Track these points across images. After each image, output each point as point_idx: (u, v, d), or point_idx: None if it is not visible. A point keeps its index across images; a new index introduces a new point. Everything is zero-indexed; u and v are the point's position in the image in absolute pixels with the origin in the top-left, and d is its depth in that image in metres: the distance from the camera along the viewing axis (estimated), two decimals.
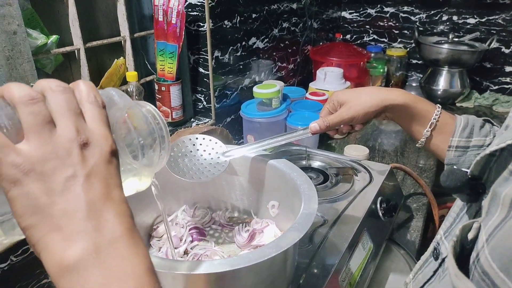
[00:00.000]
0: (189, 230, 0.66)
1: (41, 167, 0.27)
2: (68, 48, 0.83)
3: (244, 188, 0.71)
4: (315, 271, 0.62)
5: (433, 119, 0.66)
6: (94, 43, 0.88)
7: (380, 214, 0.82)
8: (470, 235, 0.35)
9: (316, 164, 0.94)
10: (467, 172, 0.39)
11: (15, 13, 0.67)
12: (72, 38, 0.85)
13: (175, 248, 0.63)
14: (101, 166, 0.29)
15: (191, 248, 0.64)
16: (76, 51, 0.85)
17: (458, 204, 0.46)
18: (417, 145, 0.70)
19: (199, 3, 1.02)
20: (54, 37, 0.78)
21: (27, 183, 0.26)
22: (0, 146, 0.26)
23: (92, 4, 0.93)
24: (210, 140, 0.62)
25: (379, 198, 0.83)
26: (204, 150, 0.61)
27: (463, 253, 0.35)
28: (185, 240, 0.65)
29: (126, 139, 0.36)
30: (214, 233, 0.69)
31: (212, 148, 0.62)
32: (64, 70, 0.89)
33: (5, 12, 0.66)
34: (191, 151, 0.60)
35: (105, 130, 0.30)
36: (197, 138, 0.61)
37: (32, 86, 0.29)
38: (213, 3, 1.03)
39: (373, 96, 0.66)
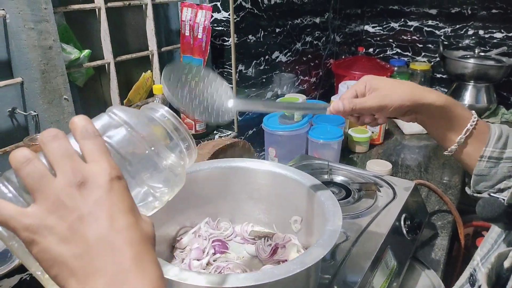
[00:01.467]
0: (212, 242, 0.66)
1: (47, 221, 0.29)
2: (99, 62, 0.86)
3: (267, 202, 0.71)
4: (340, 285, 0.61)
5: (470, 125, 0.61)
6: (124, 57, 0.91)
7: (404, 232, 0.80)
8: (507, 264, 0.34)
9: (338, 178, 0.94)
10: (503, 201, 0.38)
11: (51, 29, 0.70)
12: (103, 52, 0.88)
13: (198, 260, 0.64)
14: (102, 198, 0.30)
15: (213, 261, 0.65)
16: (106, 64, 0.88)
17: (496, 230, 0.44)
18: (445, 152, 0.65)
19: (224, 19, 1.04)
20: (86, 52, 0.81)
21: (39, 240, 0.28)
22: (11, 216, 0.28)
23: (123, 19, 0.96)
24: (216, 81, 0.54)
25: (403, 215, 0.82)
26: (208, 89, 0.52)
27: (499, 282, 0.34)
28: (208, 252, 0.65)
29: (137, 150, 0.36)
30: (236, 247, 0.70)
31: (217, 91, 0.53)
32: (94, 83, 0.92)
33: (42, 28, 0.69)
34: (193, 82, 0.52)
35: (102, 160, 0.31)
36: (202, 72, 0.53)
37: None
38: (238, 18, 1.06)
39: (413, 91, 0.60)
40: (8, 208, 0.29)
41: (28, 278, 0.68)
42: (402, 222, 0.81)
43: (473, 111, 0.63)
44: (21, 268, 0.67)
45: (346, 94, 0.63)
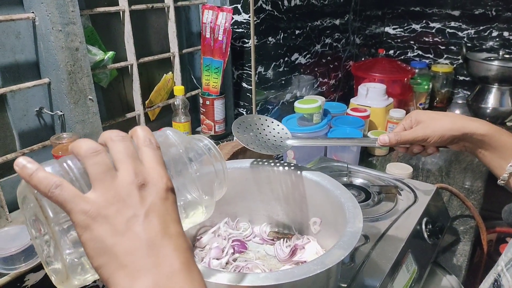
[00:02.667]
0: (231, 242, 0.67)
1: (106, 211, 0.30)
2: (122, 64, 0.87)
3: (286, 203, 0.71)
4: (362, 287, 0.61)
5: None
6: (146, 59, 0.93)
7: (426, 236, 0.79)
8: None
9: (357, 181, 0.93)
10: None
11: (78, 31, 0.72)
12: (126, 54, 0.89)
13: (217, 259, 0.64)
14: (158, 204, 0.31)
15: (233, 260, 0.65)
16: (129, 66, 0.90)
17: None
18: (498, 182, 0.64)
19: (245, 21, 1.05)
20: (110, 53, 0.83)
21: (95, 227, 0.29)
22: (71, 197, 0.29)
23: (145, 22, 0.98)
24: (278, 125, 0.66)
25: (425, 219, 0.81)
26: (270, 132, 0.65)
27: None
28: (227, 252, 0.66)
29: (183, 173, 0.39)
30: (255, 247, 0.70)
31: (278, 132, 0.65)
32: (118, 84, 0.94)
33: (69, 30, 0.71)
34: (257, 128, 0.64)
35: (160, 169, 0.33)
36: (266, 120, 0.66)
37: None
38: (258, 20, 1.06)
39: (454, 121, 0.63)
40: (70, 189, 0.30)
41: None
42: (423, 226, 0.80)
43: None
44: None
45: (395, 129, 0.70)
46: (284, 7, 1.14)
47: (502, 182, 0.64)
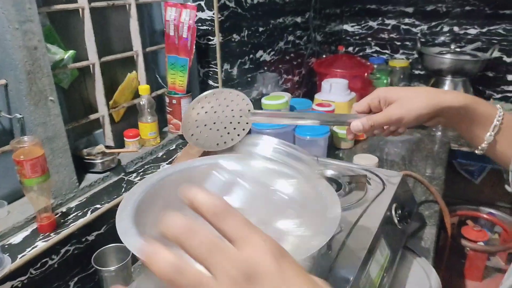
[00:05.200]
0: None
1: None
2: (84, 63, 0.84)
3: (259, 197, 0.71)
4: (337, 276, 0.62)
5: (496, 121, 0.58)
6: (109, 57, 0.90)
7: (396, 221, 0.82)
8: None
9: (328, 172, 0.95)
10: None
11: (36, 29, 0.69)
12: (87, 53, 0.86)
13: None
14: (279, 283, 0.26)
15: None
16: (91, 65, 0.87)
17: None
18: (476, 151, 0.62)
19: (209, 18, 1.04)
20: (71, 52, 0.80)
21: None
22: None
23: (106, 20, 0.95)
24: (238, 95, 0.56)
25: (394, 205, 0.83)
26: (227, 106, 0.55)
27: None
28: None
29: (268, 200, 0.33)
30: None
31: (237, 104, 0.56)
32: (79, 84, 0.90)
33: (26, 28, 0.67)
34: (212, 107, 0.54)
35: (253, 237, 0.26)
36: (222, 92, 0.55)
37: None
38: (223, 17, 1.06)
39: (429, 97, 0.58)
40: None
41: (20, 285, 0.66)
42: (393, 212, 0.82)
43: (499, 105, 0.60)
44: (11, 276, 0.65)
45: (357, 108, 0.63)
46: (247, 4, 1.15)
47: (480, 152, 0.61)
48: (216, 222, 0.26)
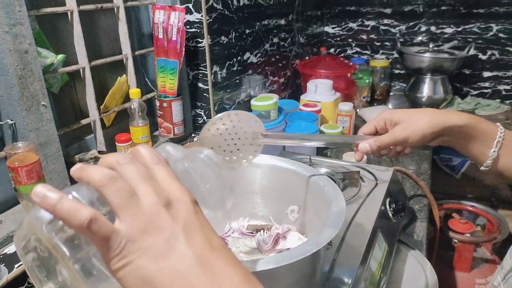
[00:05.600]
0: None
1: (141, 239, 0.27)
2: (74, 67, 0.83)
3: (261, 195, 0.72)
4: (340, 271, 0.63)
5: (499, 137, 0.60)
6: (98, 61, 0.88)
7: (390, 215, 0.84)
8: None
9: (322, 170, 0.96)
10: None
11: (26, 32, 0.67)
12: (77, 57, 0.85)
13: None
14: (192, 218, 0.29)
15: None
16: (81, 69, 0.85)
17: None
18: (481, 168, 0.64)
19: (197, 20, 1.04)
20: (61, 56, 0.78)
21: (133, 259, 0.27)
22: (109, 232, 0.26)
23: (94, 23, 0.93)
24: (251, 117, 0.57)
25: (388, 200, 0.85)
26: (240, 128, 0.56)
27: None
28: None
29: (192, 188, 0.36)
30: (235, 242, 0.70)
31: (250, 126, 0.57)
32: (69, 89, 0.89)
33: (17, 31, 0.66)
34: (226, 128, 0.55)
35: (178, 184, 0.30)
36: (236, 114, 0.55)
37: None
38: (211, 20, 1.06)
39: (432, 117, 0.61)
40: (105, 223, 0.27)
41: None
42: (387, 206, 0.84)
43: (499, 123, 0.63)
44: (9, 286, 0.63)
45: (364, 130, 0.66)
46: (234, 6, 1.15)
47: (486, 168, 0.63)
48: (152, 165, 0.31)
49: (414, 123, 0.61)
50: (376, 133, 0.66)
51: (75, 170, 0.29)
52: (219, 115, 0.55)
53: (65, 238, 0.27)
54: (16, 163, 0.64)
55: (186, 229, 0.28)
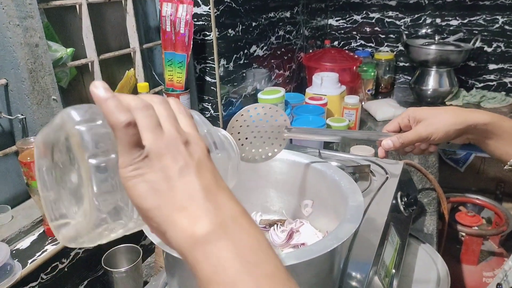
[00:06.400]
0: None
1: (158, 159, 0.29)
2: (83, 61, 0.82)
3: (275, 189, 0.71)
4: (355, 265, 0.63)
5: None
6: (107, 55, 0.87)
7: (402, 208, 0.83)
8: None
9: (332, 164, 0.96)
10: None
11: (37, 26, 0.66)
12: (86, 50, 0.84)
13: None
14: (205, 160, 0.31)
15: None
16: (89, 63, 0.84)
17: None
18: (506, 167, 0.63)
19: (205, 13, 1.03)
20: (70, 50, 0.77)
21: (148, 171, 0.29)
22: (135, 140, 0.29)
23: (101, 16, 0.92)
24: (277, 111, 0.58)
25: (399, 193, 0.85)
26: (267, 121, 0.57)
27: None
28: None
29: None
30: None
31: (276, 120, 0.58)
32: (77, 83, 0.88)
33: (27, 24, 0.65)
34: (253, 121, 0.56)
35: (197, 133, 0.33)
36: (263, 107, 0.56)
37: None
38: (218, 12, 1.05)
39: (455, 115, 0.61)
40: (136, 129, 0.29)
41: None
42: (399, 200, 0.84)
43: None
44: (23, 282, 0.62)
45: (388, 127, 0.66)
46: None
47: (509, 167, 0.62)
48: (178, 113, 0.33)
49: (437, 120, 0.61)
50: (400, 130, 0.66)
51: (108, 97, 0.29)
52: (247, 106, 0.55)
53: (92, 134, 0.29)
54: (29, 158, 0.63)
55: (198, 166, 0.31)
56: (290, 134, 0.59)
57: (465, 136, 0.63)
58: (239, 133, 0.56)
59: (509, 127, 0.61)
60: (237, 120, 0.55)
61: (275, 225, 0.68)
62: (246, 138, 0.56)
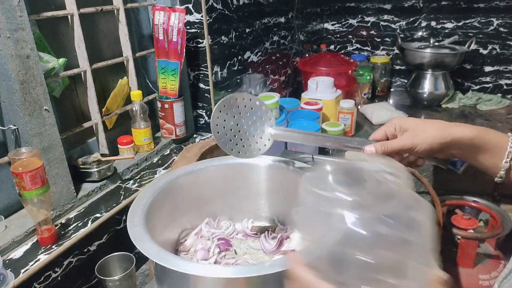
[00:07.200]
0: (218, 240, 0.66)
1: None
2: (75, 70, 0.83)
3: (266, 196, 0.72)
4: None
5: (510, 147, 0.60)
6: (99, 64, 0.88)
7: None
8: None
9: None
10: None
11: (28, 37, 0.67)
12: (78, 60, 0.85)
13: (205, 260, 0.63)
14: None
15: (220, 259, 0.64)
16: (82, 73, 0.85)
17: None
18: (496, 179, 0.63)
19: (197, 20, 1.04)
20: (62, 60, 0.78)
21: None
22: None
23: (94, 26, 0.93)
24: (264, 107, 0.58)
25: None
26: (248, 114, 0.57)
27: None
28: (213, 252, 0.65)
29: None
30: (239, 243, 0.70)
31: (261, 116, 0.58)
32: (70, 92, 0.88)
33: (18, 36, 0.66)
34: (240, 113, 0.56)
35: None
36: (250, 100, 0.56)
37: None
38: (211, 20, 1.06)
39: (440, 129, 0.61)
40: None
41: None
42: None
43: (509, 133, 0.62)
44: None
45: (375, 135, 0.66)
46: (234, 6, 1.15)
47: (499, 179, 0.62)
48: None
49: (422, 132, 0.61)
50: (387, 139, 0.66)
51: None
52: (234, 94, 0.55)
53: None
54: (20, 169, 0.64)
55: None
56: (276, 132, 0.58)
57: (449, 151, 0.62)
58: (224, 120, 0.56)
59: (494, 140, 0.60)
60: (217, 117, 0.55)
61: (266, 232, 0.69)
62: (231, 130, 0.55)
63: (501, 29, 1.70)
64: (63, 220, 0.77)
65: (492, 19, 1.70)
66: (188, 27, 1.05)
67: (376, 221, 0.32)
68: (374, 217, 0.33)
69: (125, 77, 0.98)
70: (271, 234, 0.68)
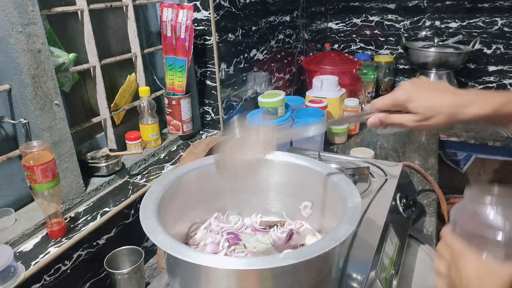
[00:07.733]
0: (227, 234, 0.67)
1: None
2: (85, 66, 0.83)
3: (275, 191, 0.72)
4: (354, 267, 0.64)
5: None
6: (108, 60, 0.89)
7: (401, 210, 0.84)
8: None
9: (332, 166, 0.96)
10: None
11: (39, 32, 0.68)
12: (87, 55, 0.85)
13: (215, 253, 0.64)
14: None
15: (230, 252, 0.65)
16: (91, 68, 0.86)
17: None
18: None
19: (205, 18, 1.04)
20: (72, 55, 0.79)
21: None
22: None
23: (103, 22, 0.94)
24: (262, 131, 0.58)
25: (398, 195, 0.86)
26: (251, 137, 0.57)
27: None
28: (223, 246, 0.65)
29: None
30: (248, 237, 0.70)
31: (263, 135, 0.57)
32: (79, 88, 0.89)
33: (30, 31, 0.66)
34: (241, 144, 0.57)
35: None
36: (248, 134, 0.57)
37: None
38: (218, 17, 1.06)
39: (452, 104, 0.53)
40: None
41: None
42: (398, 201, 0.85)
43: None
44: (26, 283, 0.63)
45: (380, 103, 0.58)
46: (241, 4, 1.15)
47: None
48: None
49: (430, 107, 0.54)
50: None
51: None
52: (232, 134, 0.56)
53: None
54: (32, 162, 0.64)
55: None
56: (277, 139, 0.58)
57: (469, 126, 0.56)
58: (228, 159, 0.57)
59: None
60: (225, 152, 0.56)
61: (275, 226, 0.69)
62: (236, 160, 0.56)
63: (506, 28, 1.70)
64: (72, 214, 0.77)
65: (496, 18, 1.70)
66: (196, 24, 1.05)
67: None
68: None
69: (133, 73, 0.98)
70: (280, 229, 0.69)
